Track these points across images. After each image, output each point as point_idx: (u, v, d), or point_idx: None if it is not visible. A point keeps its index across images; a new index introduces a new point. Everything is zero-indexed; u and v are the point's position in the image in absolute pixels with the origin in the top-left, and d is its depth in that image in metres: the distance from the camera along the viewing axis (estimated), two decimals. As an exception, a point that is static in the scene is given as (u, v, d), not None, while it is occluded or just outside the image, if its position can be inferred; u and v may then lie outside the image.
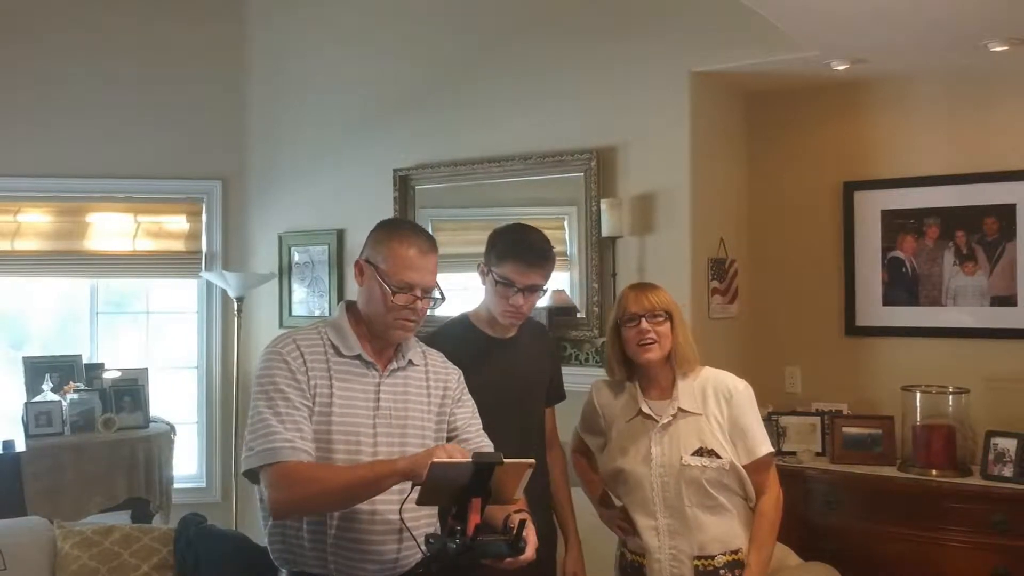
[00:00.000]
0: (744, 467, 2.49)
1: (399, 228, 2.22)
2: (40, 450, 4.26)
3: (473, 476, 1.77)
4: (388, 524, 2.03)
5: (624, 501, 2.62)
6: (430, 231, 4.50)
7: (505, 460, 1.80)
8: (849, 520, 3.55)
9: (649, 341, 2.51)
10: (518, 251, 2.56)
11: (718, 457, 2.47)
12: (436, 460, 1.77)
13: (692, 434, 2.50)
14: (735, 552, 2.51)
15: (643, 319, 2.52)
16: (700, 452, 2.48)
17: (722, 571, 2.49)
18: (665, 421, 2.53)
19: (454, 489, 1.78)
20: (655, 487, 2.51)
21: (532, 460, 1.86)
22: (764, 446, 2.52)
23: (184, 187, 5.40)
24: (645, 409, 2.56)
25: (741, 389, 2.55)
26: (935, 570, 3.36)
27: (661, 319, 2.53)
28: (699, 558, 2.48)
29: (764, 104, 4.23)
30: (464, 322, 2.72)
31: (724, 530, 2.50)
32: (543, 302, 4.11)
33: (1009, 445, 3.41)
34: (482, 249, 2.70)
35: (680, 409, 2.52)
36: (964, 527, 3.34)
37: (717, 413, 2.51)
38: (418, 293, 2.11)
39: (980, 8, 3.06)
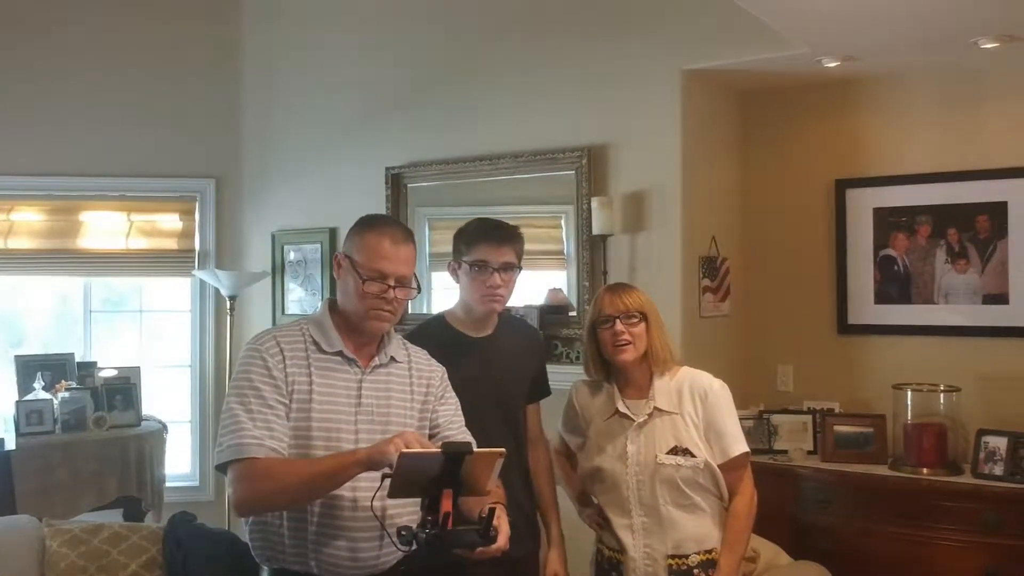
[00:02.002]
0: (719, 466, 2.49)
1: (375, 221, 2.22)
2: (31, 449, 4.25)
3: (444, 466, 1.77)
4: (369, 521, 2.02)
5: (600, 500, 2.62)
6: (425, 229, 4.54)
7: (475, 450, 1.81)
8: (840, 519, 3.53)
9: (624, 342, 2.51)
10: (486, 232, 2.59)
11: (693, 456, 2.47)
12: (405, 451, 1.77)
13: (668, 433, 2.50)
14: (709, 552, 2.50)
15: (617, 320, 2.52)
16: (675, 451, 2.48)
17: (696, 570, 2.48)
18: (641, 420, 2.53)
19: (425, 480, 1.78)
20: (631, 486, 2.51)
21: (503, 449, 1.86)
22: (738, 446, 2.51)
23: (177, 185, 5.40)
24: (622, 408, 2.56)
25: (716, 389, 2.54)
26: (926, 569, 3.34)
27: (636, 320, 2.53)
28: (673, 557, 2.48)
29: (756, 102, 4.22)
30: (440, 321, 2.71)
31: (698, 529, 2.50)
32: (537, 300, 4.16)
33: (1000, 443, 3.40)
34: None
35: (656, 408, 2.52)
36: (955, 526, 3.33)
37: (692, 412, 2.51)
38: (391, 283, 2.10)
39: (971, 5, 3.05)
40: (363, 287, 2.09)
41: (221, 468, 2.03)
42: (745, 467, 2.55)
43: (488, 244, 2.56)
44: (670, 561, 2.48)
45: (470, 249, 2.58)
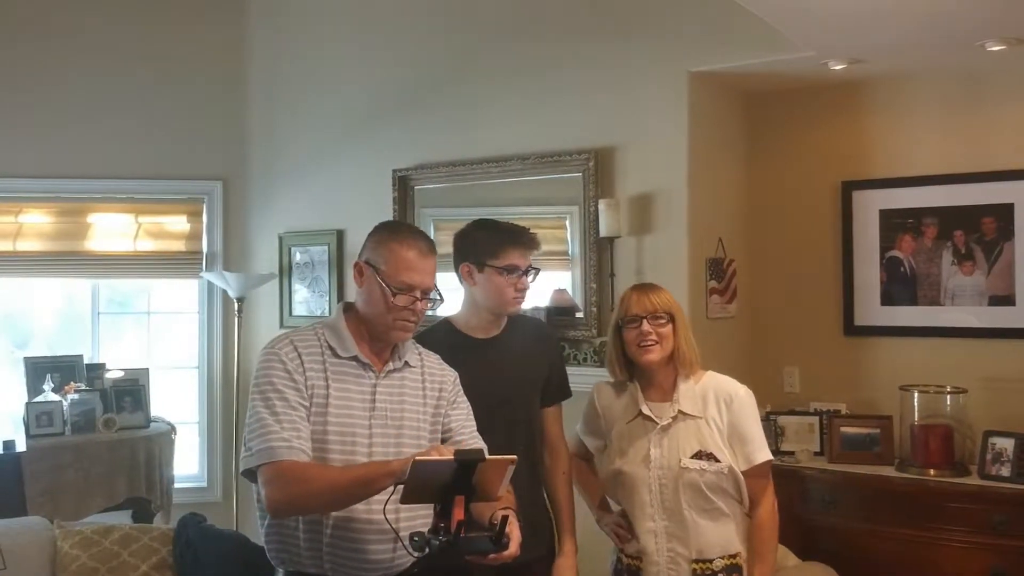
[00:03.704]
0: (742, 473, 2.48)
1: (399, 230, 2.25)
2: (41, 450, 4.28)
3: (456, 473, 1.78)
4: (382, 526, 2.03)
5: (622, 504, 2.60)
6: (431, 231, 4.55)
7: (487, 456, 1.82)
8: (847, 520, 3.54)
9: (650, 342, 2.50)
10: (515, 237, 2.64)
11: (717, 461, 2.46)
12: (418, 459, 1.79)
13: (692, 437, 2.48)
14: (733, 556, 2.49)
15: (645, 320, 2.50)
16: (699, 455, 2.46)
17: (720, 575, 2.48)
18: (665, 423, 2.51)
19: (438, 487, 1.80)
20: (653, 489, 2.49)
21: (514, 456, 1.87)
22: (762, 453, 2.50)
23: (185, 187, 5.41)
24: (645, 410, 2.54)
25: (742, 395, 2.53)
26: (933, 570, 3.35)
27: (663, 321, 2.51)
28: (697, 562, 2.47)
29: (762, 104, 4.23)
30: (446, 326, 2.72)
31: (721, 534, 2.48)
32: (543, 302, 4.17)
33: (1007, 445, 3.41)
34: None
35: (680, 411, 2.51)
36: (962, 527, 3.33)
37: (717, 417, 2.50)
38: (417, 294, 2.13)
39: (977, 8, 3.05)
40: (392, 300, 2.11)
41: (248, 473, 2.05)
42: (768, 475, 2.54)
43: (518, 248, 2.62)
44: (695, 566, 2.47)
45: (500, 253, 2.60)
